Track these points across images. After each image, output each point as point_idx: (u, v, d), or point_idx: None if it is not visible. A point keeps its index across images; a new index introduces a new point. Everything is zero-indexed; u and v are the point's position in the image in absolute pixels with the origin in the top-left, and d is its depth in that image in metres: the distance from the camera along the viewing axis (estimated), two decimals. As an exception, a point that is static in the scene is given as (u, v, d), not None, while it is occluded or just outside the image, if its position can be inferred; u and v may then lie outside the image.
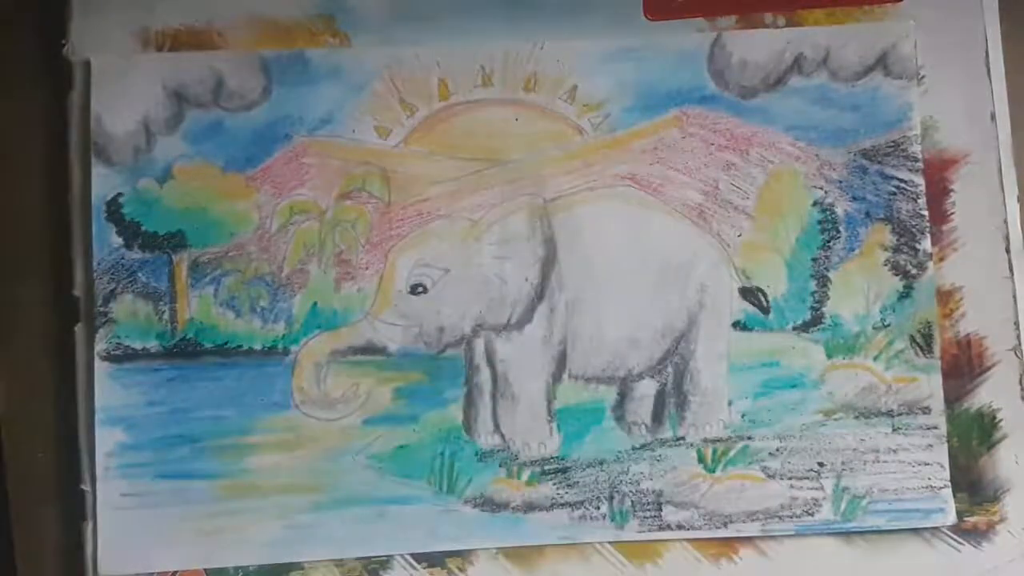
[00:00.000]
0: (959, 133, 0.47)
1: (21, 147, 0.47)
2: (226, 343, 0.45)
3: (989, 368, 0.47)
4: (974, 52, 0.48)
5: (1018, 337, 0.47)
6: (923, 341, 0.46)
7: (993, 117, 0.47)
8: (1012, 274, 0.47)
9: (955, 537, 0.46)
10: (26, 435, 0.46)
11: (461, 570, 0.46)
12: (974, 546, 0.46)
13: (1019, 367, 0.47)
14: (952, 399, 0.46)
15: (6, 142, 0.47)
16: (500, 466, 0.46)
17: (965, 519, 0.46)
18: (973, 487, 0.46)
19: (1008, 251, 0.47)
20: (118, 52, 0.46)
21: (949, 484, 0.46)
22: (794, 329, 0.47)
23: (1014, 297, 0.47)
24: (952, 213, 0.47)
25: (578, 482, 0.46)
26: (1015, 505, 0.46)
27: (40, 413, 0.46)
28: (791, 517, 0.46)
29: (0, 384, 0.46)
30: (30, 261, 0.46)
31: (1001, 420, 0.47)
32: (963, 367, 0.47)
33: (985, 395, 0.47)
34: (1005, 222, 0.47)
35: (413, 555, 0.46)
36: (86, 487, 0.45)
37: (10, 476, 0.45)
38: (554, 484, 0.46)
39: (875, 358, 0.46)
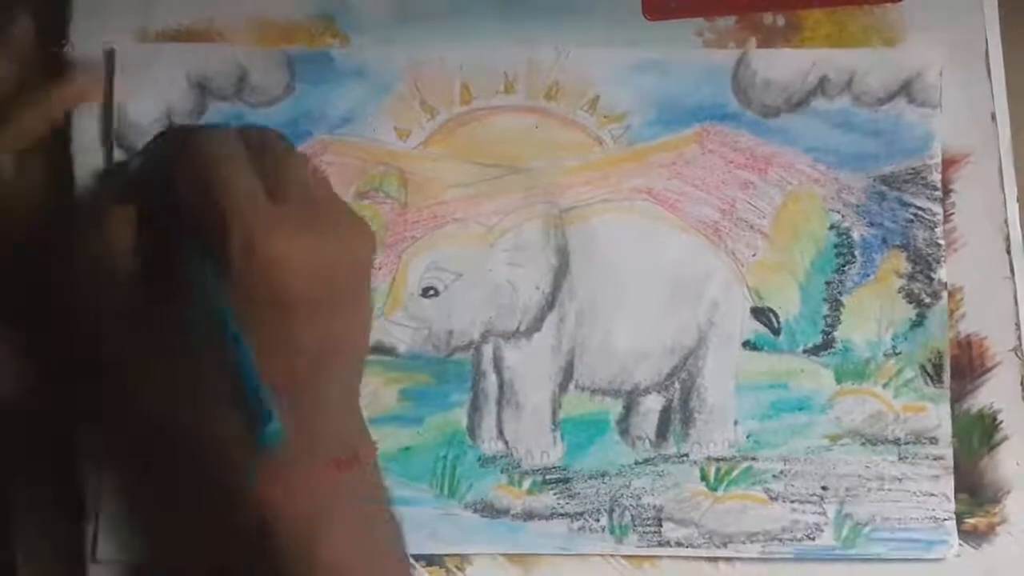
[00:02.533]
0: (959, 133, 0.47)
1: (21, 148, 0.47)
2: (236, 337, 0.45)
3: (990, 369, 0.47)
4: (974, 52, 0.47)
5: (1019, 338, 0.47)
6: (933, 371, 0.46)
7: (993, 117, 0.47)
8: (1013, 274, 0.47)
9: (955, 538, 0.46)
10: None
11: (459, 569, 0.46)
12: (974, 547, 0.46)
13: (1020, 368, 0.47)
14: (952, 400, 0.46)
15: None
16: (502, 472, 0.46)
17: (965, 520, 0.46)
18: (973, 488, 0.46)
19: (1008, 251, 0.47)
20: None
21: (954, 516, 0.46)
22: (804, 352, 0.46)
23: (1015, 297, 0.47)
24: (952, 213, 0.47)
25: (579, 493, 0.46)
26: (1016, 506, 0.46)
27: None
28: (791, 540, 0.46)
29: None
30: (31, 262, 0.46)
31: (1002, 421, 0.46)
32: (963, 368, 0.47)
33: (986, 396, 0.47)
34: (1006, 222, 0.47)
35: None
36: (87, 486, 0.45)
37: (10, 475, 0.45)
38: (555, 494, 0.46)
39: (884, 385, 0.46)
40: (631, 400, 0.46)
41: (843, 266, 0.47)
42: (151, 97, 0.46)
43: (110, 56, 0.46)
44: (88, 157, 0.46)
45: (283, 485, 0.36)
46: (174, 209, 0.38)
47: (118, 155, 0.46)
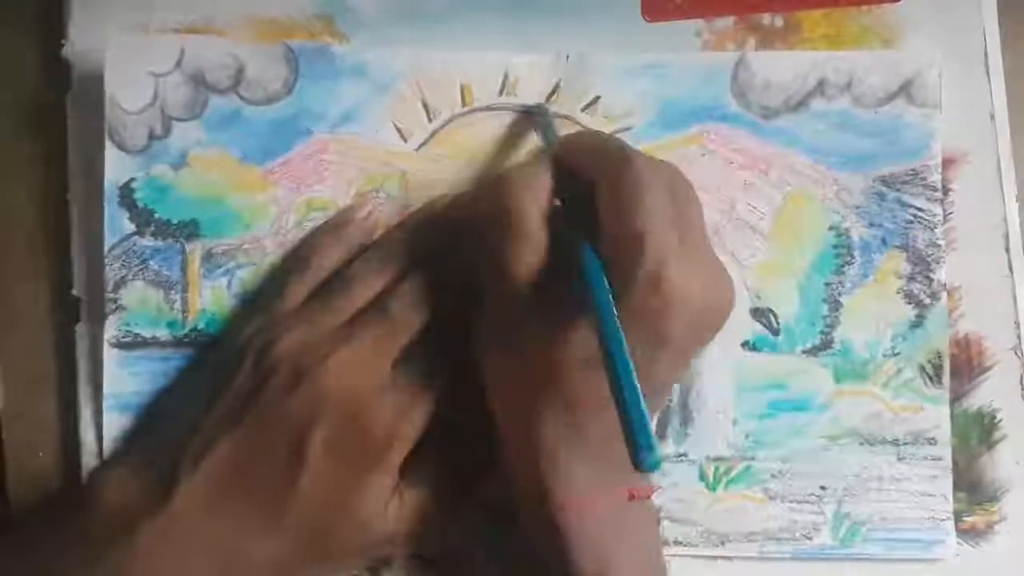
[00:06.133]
0: (957, 133, 0.47)
1: (19, 148, 0.47)
2: (237, 335, 0.45)
3: (989, 368, 0.47)
4: (972, 51, 0.48)
5: (1018, 336, 0.47)
6: (932, 371, 0.46)
7: (992, 116, 0.47)
8: (1011, 273, 0.47)
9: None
10: (27, 433, 0.46)
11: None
12: (972, 546, 0.46)
13: (1019, 367, 0.47)
14: (951, 399, 0.47)
15: (4, 143, 0.47)
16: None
17: (964, 519, 0.46)
18: (972, 487, 0.47)
19: (1007, 250, 0.47)
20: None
21: (952, 516, 0.46)
22: (803, 352, 0.47)
23: (1013, 296, 0.47)
24: (951, 212, 0.47)
25: (580, 493, 0.46)
26: (1014, 505, 0.46)
27: (41, 412, 0.46)
28: (789, 540, 0.46)
29: (-1, 384, 0.46)
30: (30, 261, 0.46)
31: (1001, 420, 0.47)
32: (962, 367, 0.47)
33: (985, 395, 0.47)
34: (1004, 221, 0.47)
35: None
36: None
37: (10, 475, 0.45)
38: (556, 494, 0.46)
39: (883, 386, 0.46)
40: (632, 401, 0.46)
41: (842, 267, 0.47)
42: (145, 91, 0.46)
43: (100, 54, 0.45)
44: (83, 151, 0.46)
45: (582, 505, 0.37)
46: (581, 204, 0.38)
47: (110, 149, 0.45)
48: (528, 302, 0.37)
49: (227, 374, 0.41)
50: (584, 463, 0.37)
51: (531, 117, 0.46)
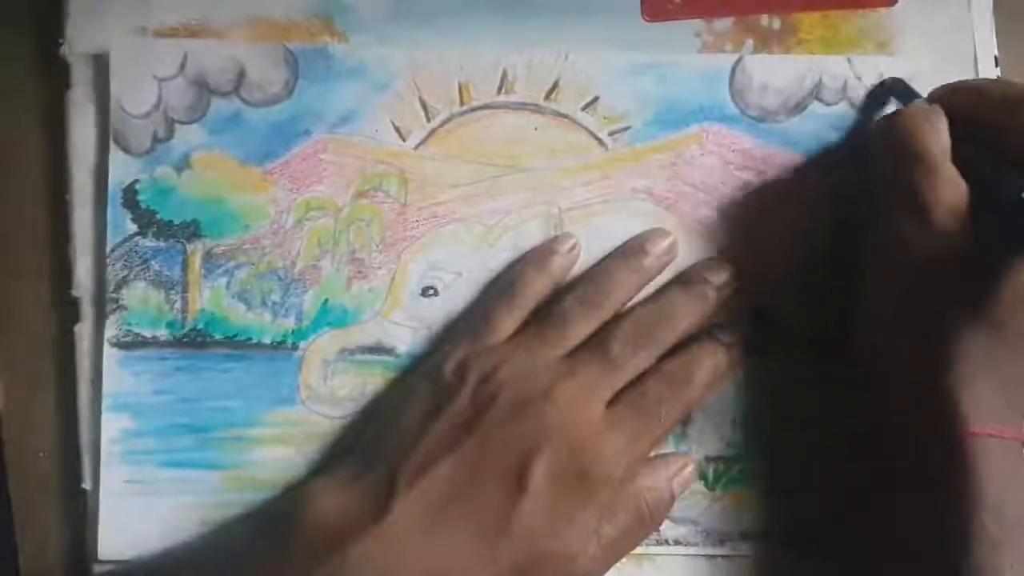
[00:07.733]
0: None
1: (19, 148, 0.47)
2: (236, 335, 0.45)
3: None
4: (965, 55, 0.48)
5: None
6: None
7: None
8: None
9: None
10: (27, 433, 0.46)
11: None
12: None
13: None
14: None
15: (4, 143, 0.47)
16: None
17: None
18: None
19: None
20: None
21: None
22: (803, 352, 0.47)
23: None
24: None
25: (579, 492, 0.46)
26: None
27: (41, 411, 0.46)
28: (789, 539, 0.46)
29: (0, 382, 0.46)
30: (30, 261, 0.46)
31: None
32: None
33: None
34: None
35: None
36: (87, 486, 0.45)
37: (10, 475, 0.45)
38: (555, 493, 0.46)
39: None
40: (631, 400, 0.46)
41: (841, 267, 0.47)
42: (148, 94, 0.46)
43: (106, 52, 0.46)
44: (85, 155, 0.46)
45: (991, 434, 0.37)
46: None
47: (115, 152, 0.45)
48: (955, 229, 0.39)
49: (436, 395, 0.42)
50: (996, 393, 0.38)
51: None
